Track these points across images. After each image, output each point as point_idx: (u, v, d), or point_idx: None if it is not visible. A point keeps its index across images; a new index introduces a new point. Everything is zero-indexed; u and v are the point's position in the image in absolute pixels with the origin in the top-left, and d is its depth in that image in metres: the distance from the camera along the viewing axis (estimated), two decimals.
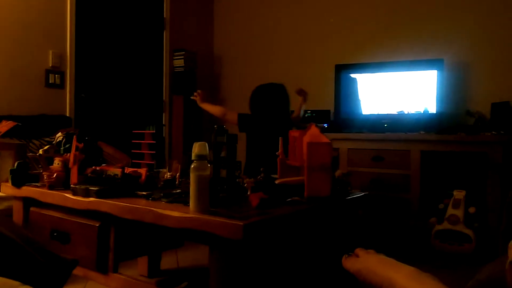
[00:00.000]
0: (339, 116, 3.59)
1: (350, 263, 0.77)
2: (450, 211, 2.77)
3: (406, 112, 3.33)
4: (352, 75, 3.57)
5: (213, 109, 2.97)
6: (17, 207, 1.83)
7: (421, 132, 3.10)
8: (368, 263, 0.74)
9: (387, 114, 3.39)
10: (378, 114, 3.43)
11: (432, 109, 3.22)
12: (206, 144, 1.30)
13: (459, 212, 2.74)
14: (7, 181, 1.84)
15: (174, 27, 4.34)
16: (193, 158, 1.28)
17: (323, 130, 3.51)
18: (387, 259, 0.74)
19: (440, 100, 3.20)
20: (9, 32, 3.07)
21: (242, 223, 1.11)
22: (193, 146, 1.29)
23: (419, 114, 3.27)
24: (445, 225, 2.78)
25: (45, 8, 3.28)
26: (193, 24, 4.61)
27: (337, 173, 3.02)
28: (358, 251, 0.81)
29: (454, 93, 3.32)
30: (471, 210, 2.73)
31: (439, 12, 3.48)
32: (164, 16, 4.26)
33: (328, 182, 1.51)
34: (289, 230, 1.40)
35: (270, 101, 2.65)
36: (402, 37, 3.62)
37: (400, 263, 0.71)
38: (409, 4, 3.63)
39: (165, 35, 4.27)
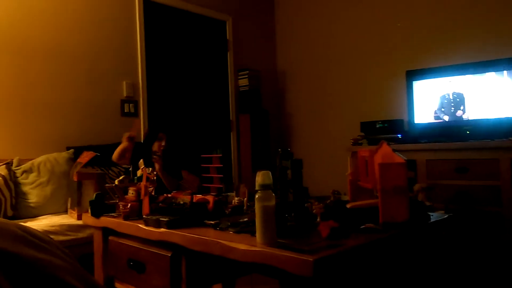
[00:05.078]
0: (414, 125, 3.37)
1: None
2: None
3: (491, 117, 3.03)
4: (425, 81, 3.34)
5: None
6: (97, 236, 1.93)
7: (511, 138, 2.79)
8: None
9: (469, 120, 3.11)
10: (458, 121, 3.17)
11: None
12: (270, 172, 1.25)
13: None
14: (87, 211, 1.95)
15: (237, 48, 4.42)
16: (256, 188, 1.23)
17: (397, 141, 3.31)
18: None
19: None
20: (87, 67, 3.31)
21: (312, 259, 1.04)
22: (256, 175, 1.25)
23: (507, 118, 2.96)
24: None
25: (118, 43, 3.50)
26: (256, 43, 4.65)
27: (416, 187, 2.81)
28: None
29: None
30: None
31: None
32: (228, 38, 4.35)
33: (405, 205, 1.38)
34: (363, 260, 1.29)
35: None
36: (480, 36, 3.33)
37: None
38: None
39: (229, 56, 4.35)
